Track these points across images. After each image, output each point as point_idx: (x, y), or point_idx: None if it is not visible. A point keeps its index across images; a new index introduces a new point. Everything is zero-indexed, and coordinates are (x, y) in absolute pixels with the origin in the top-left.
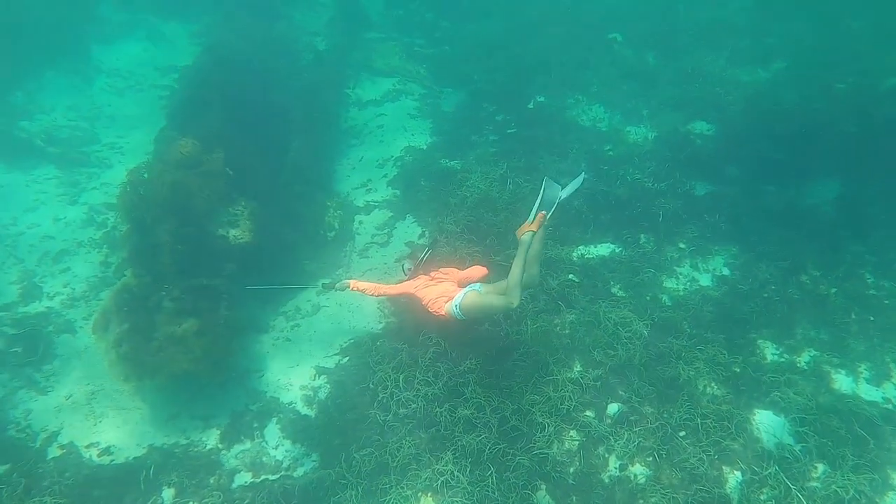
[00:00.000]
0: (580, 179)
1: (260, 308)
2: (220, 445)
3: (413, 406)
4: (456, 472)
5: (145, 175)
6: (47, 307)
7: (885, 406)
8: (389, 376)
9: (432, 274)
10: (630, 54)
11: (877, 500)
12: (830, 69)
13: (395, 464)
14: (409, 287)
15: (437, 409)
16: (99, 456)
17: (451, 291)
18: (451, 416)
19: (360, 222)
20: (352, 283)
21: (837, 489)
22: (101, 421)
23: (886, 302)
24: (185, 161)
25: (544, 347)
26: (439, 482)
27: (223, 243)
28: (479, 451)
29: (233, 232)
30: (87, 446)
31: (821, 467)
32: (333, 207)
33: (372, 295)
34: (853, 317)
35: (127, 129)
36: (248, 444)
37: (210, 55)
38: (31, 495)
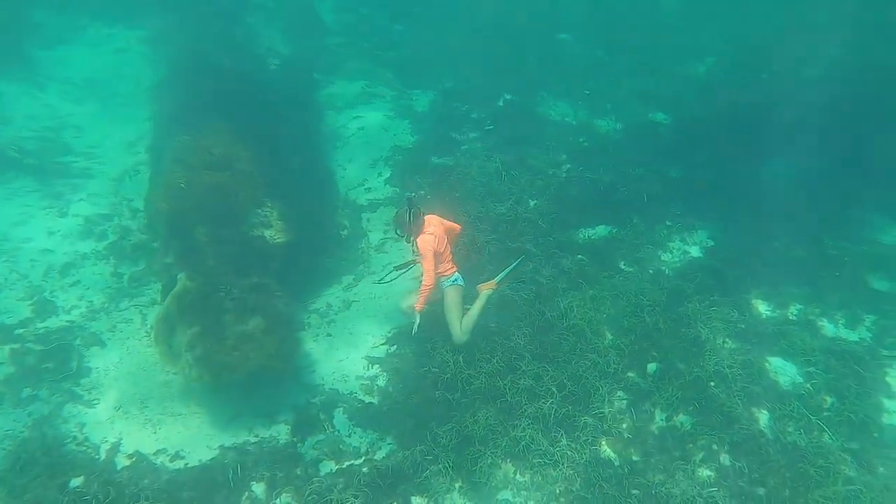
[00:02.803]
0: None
1: (293, 306)
2: (293, 439)
3: (477, 383)
4: (537, 436)
5: (178, 180)
6: (68, 321)
7: (864, 344)
8: (449, 358)
9: (426, 230)
10: (582, 52)
11: (879, 419)
12: (755, 62)
13: (477, 435)
14: (428, 251)
15: (500, 382)
16: (171, 461)
17: (451, 270)
18: (514, 387)
19: (368, 219)
20: (416, 306)
21: (849, 415)
22: (159, 428)
23: (845, 259)
24: (216, 163)
25: (582, 320)
26: (521, 447)
27: (262, 243)
28: (546, 417)
29: (268, 232)
30: (155, 453)
31: (829, 399)
32: (341, 206)
33: (431, 290)
34: (823, 273)
35: (98, 137)
36: (321, 435)
37: (189, 60)
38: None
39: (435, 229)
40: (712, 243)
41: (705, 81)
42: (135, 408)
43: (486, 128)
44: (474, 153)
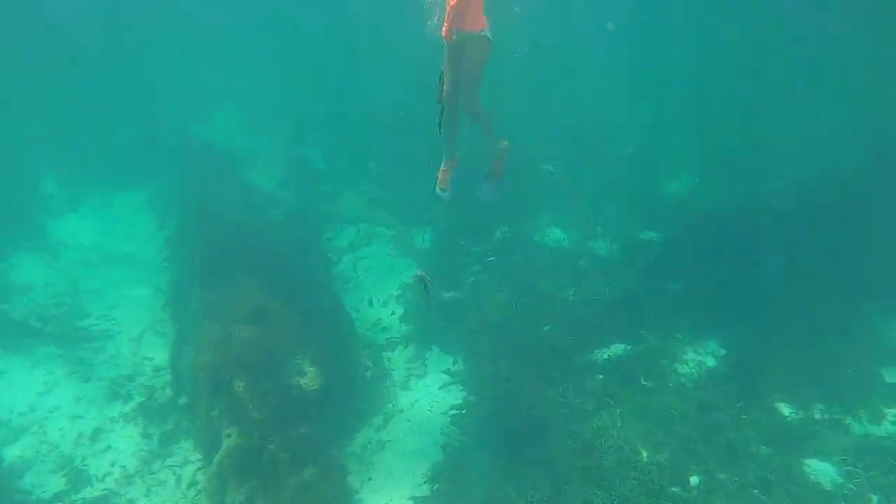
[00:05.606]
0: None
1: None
2: None
3: None
4: None
5: (215, 335)
6: (103, 489)
7: (894, 438)
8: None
9: None
10: (565, 180)
11: None
12: (730, 175)
13: None
14: None
15: None
16: None
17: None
18: None
19: (389, 359)
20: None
21: None
22: None
23: (855, 357)
24: (250, 317)
25: (619, 438)
26: None
27: (299, 391)
28: None
29: (303, 380)
30: None
31: (875, 497)
32: (361, 347)
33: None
34: (836, 372)
35: (113, 300)
36: None
37: (196, 215)
38: None
39: None
40: (724, 351)
41: (683, 199)
42: None
43: (488, 259)
44: (482, 285)
